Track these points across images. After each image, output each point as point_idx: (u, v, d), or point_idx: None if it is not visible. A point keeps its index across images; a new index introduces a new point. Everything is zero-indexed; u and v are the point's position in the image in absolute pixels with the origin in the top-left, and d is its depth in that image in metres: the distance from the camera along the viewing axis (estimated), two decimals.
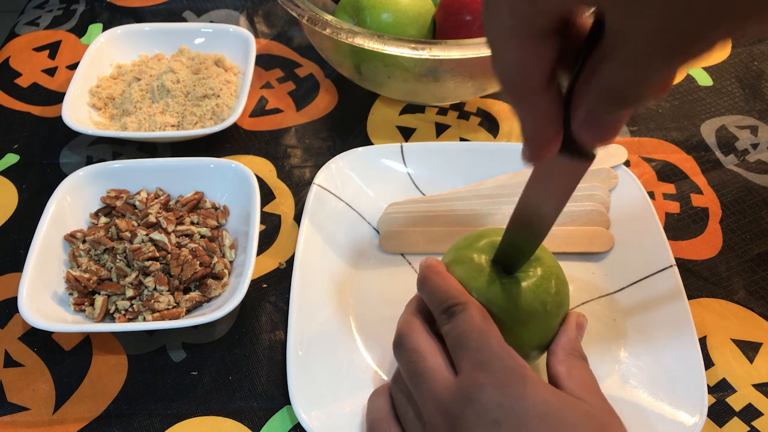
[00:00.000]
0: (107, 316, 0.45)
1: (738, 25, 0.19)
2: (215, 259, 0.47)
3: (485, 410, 0.31)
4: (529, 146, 0.26)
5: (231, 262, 0.49)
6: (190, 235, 0.48)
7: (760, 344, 0.45)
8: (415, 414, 0.35)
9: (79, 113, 0.58)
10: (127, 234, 0.47)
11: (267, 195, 0.55)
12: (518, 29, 0.22)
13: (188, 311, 0.46)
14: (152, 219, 0.48)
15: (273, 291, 0.48)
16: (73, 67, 0.66)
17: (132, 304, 0.45)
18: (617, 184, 0.52)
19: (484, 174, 0.53)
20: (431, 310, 0.36)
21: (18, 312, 0.43)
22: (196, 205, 0.51)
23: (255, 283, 0.49)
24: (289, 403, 0.41)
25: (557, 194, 0.30)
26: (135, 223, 0.49)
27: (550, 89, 0.24)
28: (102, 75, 0.63)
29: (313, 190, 0.51)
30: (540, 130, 0.26)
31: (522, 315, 0.36)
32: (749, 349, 0.45)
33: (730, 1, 0.19)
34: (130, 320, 0.45)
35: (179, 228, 0.48)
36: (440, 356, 0.34)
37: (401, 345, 0.36)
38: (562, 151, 0.26)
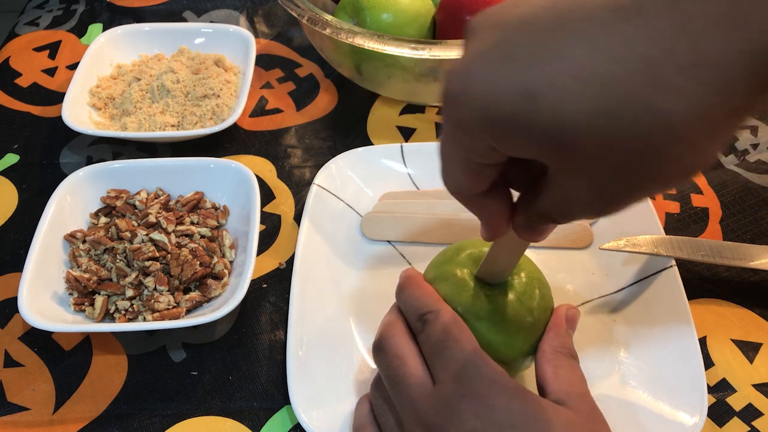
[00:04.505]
0: (107, 316, 0.45)
1: (650, 195, 0.24)
2: (215, 259, 0.47)
3: (463, 421, 0.30)
4: (483, 229, 0.32)
5: (231, 262, 0.49)
6: (190, 235, 0.48)
7: (760, 344, 0.45)
8: (395, 421, 0.34)
9: (79, 113, 0.58)
10: (127, 234, 0.47)
11: (267, 195, 0.55)
12: (466, 163, 0.26)
13: (188, 311, 0.46)
14: (152, 219, 0.48)
15: (273, 291, 0.48)
16: (73, 67, 0.66)
17: (132, 304, 0.45)
18: None
19: None
20: (407, 319, 0.36)
21: (18, 312, 0.43)
22: (196, 205, 0.51)
23: (255, 283, 0.49)
24: (289, 403, 0.41)
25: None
26: (135, 223, 0.49)
27: (491, 194, 0.28)
28: (102, 75, 0.63)
29: (313, 190, 0.51)
30: (488, 220, 0.31)
31: (512, 326, 0.35)
32: (749, 349, 0.45)
33: (645, 184, 0.23)
34: (130, 320, 0.45)
35: (179, 228, 0.48)
36: (420, 363, 0.34)
37: (382, 349, 0.35)
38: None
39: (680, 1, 0.19)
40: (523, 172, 0.29)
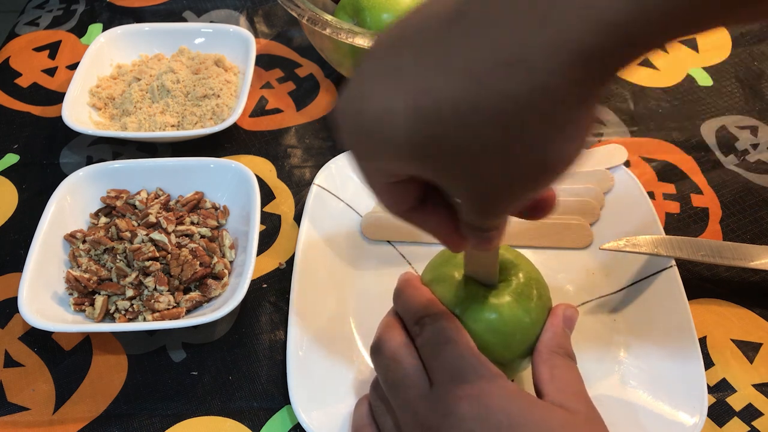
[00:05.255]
0: (107, 316, 0.45)
1: (527, 193, 0.25)
2: (215, 259, 0.47)
3: (460, 422, 0.30)
4: (441, 243, 0.31)
5: (231, 262, 0.49)
6: (190, 235, 0.48)
7: (760, 344, 0.45)
8: (393, 423, 0.35)
9: (79, 113, 0.58)
10: (127, 234, 0.47)
11: (267, 195, 0.55)
12: (377, 183, 0.27)
13: (188, 311, 0.46)
14: (152, 219, 0.48)
15: (273, 291, 0.48)
16: (73, 67, 0.66)
17: (132, 304, 0.45)
18: (614, 185, 0.52)
19: None
20: (405, 323, 0.36)
21: (18, 312, 0.43)
22: (196, 205, 0.51)
23: (255, 283, 0.49)
24: (289, 403, 0.41)
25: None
26: (135, 223, 0.49)
27: (426, 210, 0.29)
28: (102, 75, 0.63)
29: (313, 190, 0.51)
30: (434, 235, 0.30)
31: (509, 327, 0.35)
32: (749, 349, 0.45)
33: (511, 183, 0.23)
34: (130, 320, 0.45)
35: (179, 228, 0.48)
36: (418, 365, 0.34)
37: (380, 351, 0.35)
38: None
39: (496, 4, 0.20)
40: None
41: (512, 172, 0.23)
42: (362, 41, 0.51)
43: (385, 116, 0.22)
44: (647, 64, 0.67)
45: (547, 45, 0.19)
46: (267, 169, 0.57)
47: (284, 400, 0.43)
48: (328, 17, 0.53)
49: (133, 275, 0.46)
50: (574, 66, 0.20)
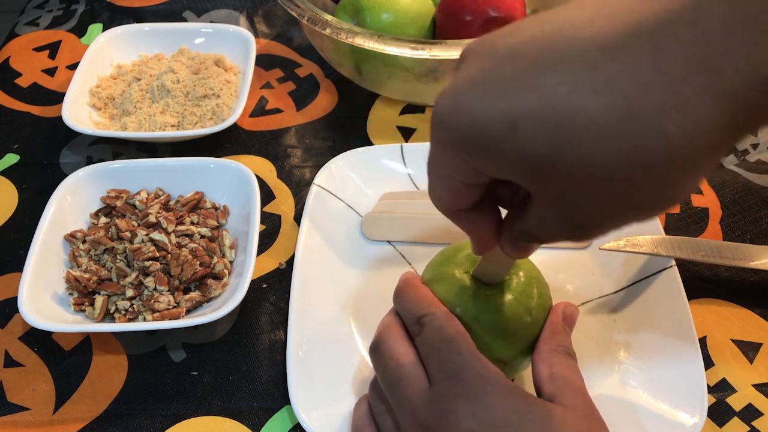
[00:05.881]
0: (107, 316, 0.45)
1: (623, 225, 0.24)
2: (215, 259, 0.47)
3: (459, 421, 0.31)
4: (472, 244, 0.33)
5: (231, 262, 0.49)
6: (190, 235, 0.48)
7: (760, 344, 0.45)
8: (392, 422, 0.35)
9: (79, 113, 0.58)
10: (127, 234, 0.47)
11: (267, 195, 0.55)
12: (451, 181, 0.27)
13: (188, 311, 0.46)
14: (152, 219, 0.48)
15: (273, 291, 0.48)
16: (73, 67, 0.66)
17: (132, 304, 0.45)
18: None
19: None
20: (405, 323, 0.36)
21: (18, 312, 0.43)
22: (196, 205, 0.51)
23: (255, 283, 0.49)
24: (289, 403, 0.41)
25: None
26: (135, 223, 0.49)
27: (476, 211, 0.29)
28: (102, 75, 0.63)
29: (313, 190, 0.51)
30: (474, 236, 0.32)
31: (509, 325, 0.35)
32: (749, 349, 0.45)
33: (617, 214, 0.24)
34: (130, 320, 0.45)
35: (179, 228, 0.48)
36: (417, 364, 0.34)
37: (379, 350, 0.35)
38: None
39: (661, 43, 0.20)
40: (512, 191, 0.30)
41: (630, 205, 0.23)
42: (362, 41, 0.52)
43: (516, 122, 0.22)
44: None
45: (709, 91, 0.20)
46: (267, 169, 0.57)
47: (284, 400, 0.43)
48: (328, 17, 0.53)
49: (133, 275, 0.46)
50: (730, 114, 0.20)
